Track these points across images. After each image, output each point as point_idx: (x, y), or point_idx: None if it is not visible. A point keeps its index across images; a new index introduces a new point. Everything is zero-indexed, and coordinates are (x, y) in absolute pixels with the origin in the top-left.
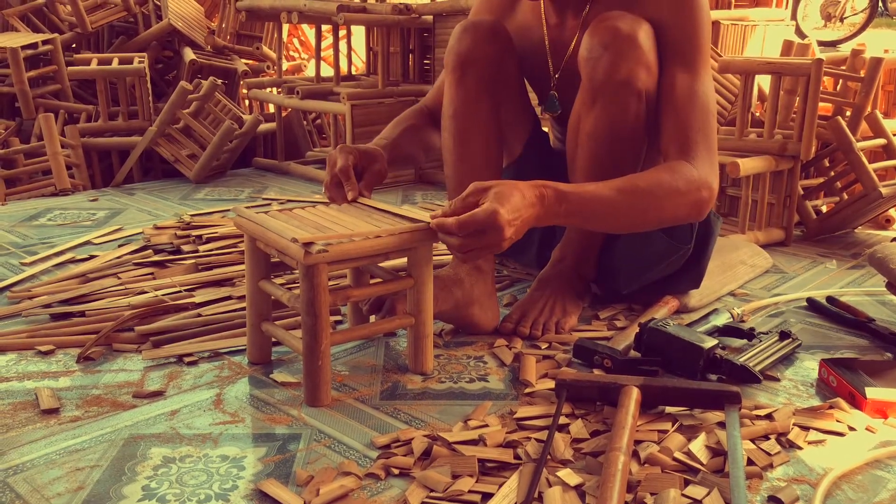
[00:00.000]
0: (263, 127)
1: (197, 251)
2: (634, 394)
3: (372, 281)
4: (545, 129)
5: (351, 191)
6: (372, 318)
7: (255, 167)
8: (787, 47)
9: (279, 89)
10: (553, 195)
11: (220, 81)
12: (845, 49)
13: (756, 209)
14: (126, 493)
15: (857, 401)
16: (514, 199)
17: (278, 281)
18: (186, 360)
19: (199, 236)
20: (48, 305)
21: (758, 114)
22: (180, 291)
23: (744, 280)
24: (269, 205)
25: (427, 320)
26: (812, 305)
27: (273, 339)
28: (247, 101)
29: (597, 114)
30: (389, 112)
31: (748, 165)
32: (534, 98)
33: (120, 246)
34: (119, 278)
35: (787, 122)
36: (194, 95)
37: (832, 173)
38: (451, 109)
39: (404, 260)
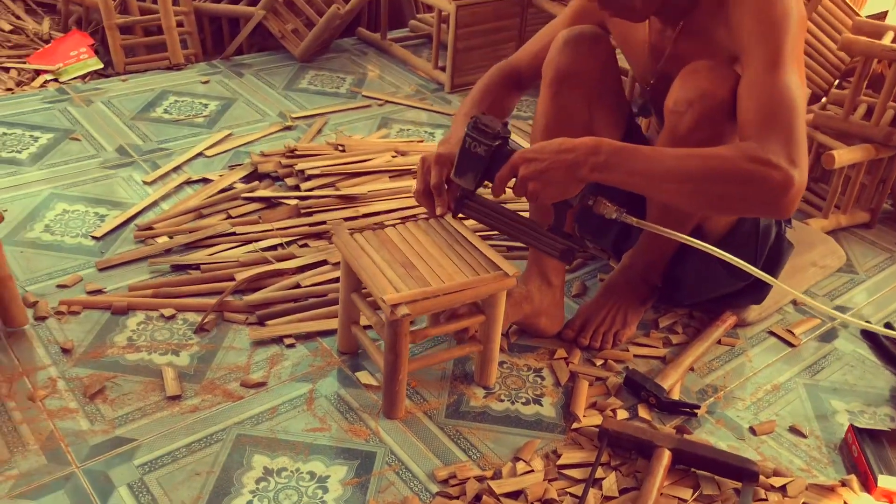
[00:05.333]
0: None
1: (298, 188)
2: (665, 459)
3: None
4: (638, 122)
5: (440, 206)
6: None
7: (358, 38)
8: None
9: None
10: (592, 143)
11: None
12: None
13: (845, 190)
14: None
15: (868, 483)
16: (545, 142)
17: None
18: (286, 342)
19: (302, 171)
20: (169, 251)
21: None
22: (283, 245)
23: (810, 284)
24: (368, 106)
25: (494, 347)
26: (865, 333)
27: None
28: None
29: None
30: (494, 12)
31: (844, 158)
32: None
33: (230, 168)
34: (229, 216)
35: None
36: None
37: None
38: (542, 123)
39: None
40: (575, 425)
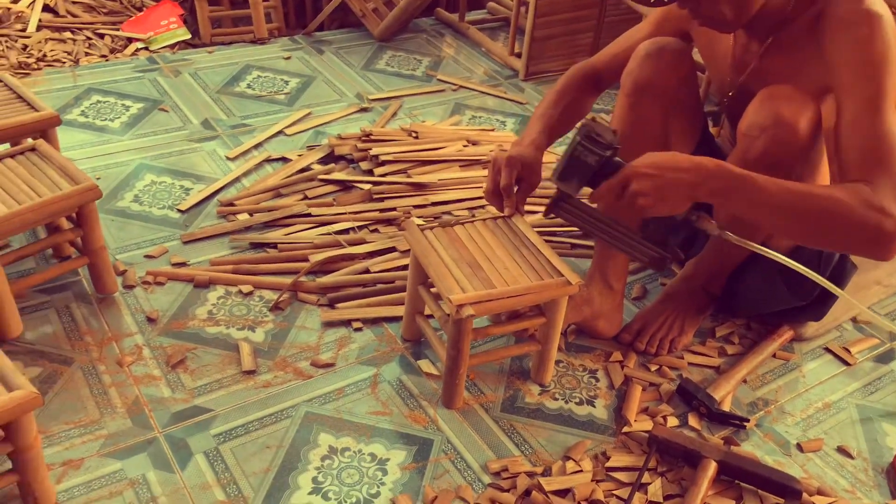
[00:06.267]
0: None
1: (371, 172)
2: (710, 470)
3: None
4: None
5: (509, 207)
6: None
7: (437, 19)
8: None
9: None
10: (713, 166)
11: None
12: None
13: None
14: (300, 483)
15: None
16: (659, 157)
17: None
18: (354, 325)
19: (376, 156)
20: (248, 228)
21: None
22: (355, 230)
23: (872, 302)
24: (442, 91)
25: (552, 348)
26: None
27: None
28: None
29: None
30: (574, 2)
31: None
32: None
33: (308, 148)
34: (306, 196)
35: None
36: None
37: None
38: (618, 131)
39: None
40: (625, 429)
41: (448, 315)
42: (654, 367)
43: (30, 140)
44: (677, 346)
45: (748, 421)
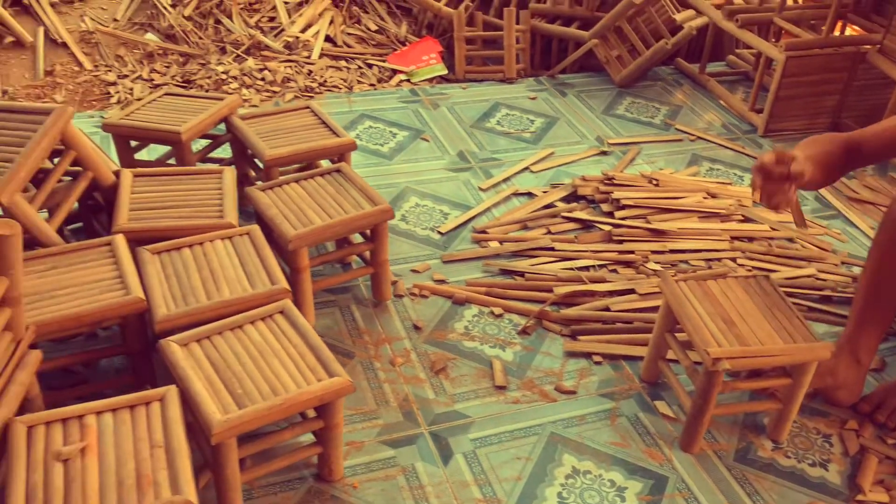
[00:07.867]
0: (694, 22)
1: (612, 214)
2: None
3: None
4: None
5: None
6: None
7: (676, 68)
8: None
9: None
10: None
11: None
12: None
13: None
14: (546, 496)
15: None
16: None
17: None
18: (594, 358)
19: (617, 200)
20: (498, 255)
21: None
22: (595, 268)
23: None
24: (679, 140)
25: (794, 408)
26: None
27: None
28: None
29: None
30: (824, 65)
31: None
32: None
33: (553, 186)
34: (549, 231)
35: None
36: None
37: None
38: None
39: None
40: (859, 497)
41: (696, 365)
42: (891, 441)
43: (328, 162)
44: None
45: None
